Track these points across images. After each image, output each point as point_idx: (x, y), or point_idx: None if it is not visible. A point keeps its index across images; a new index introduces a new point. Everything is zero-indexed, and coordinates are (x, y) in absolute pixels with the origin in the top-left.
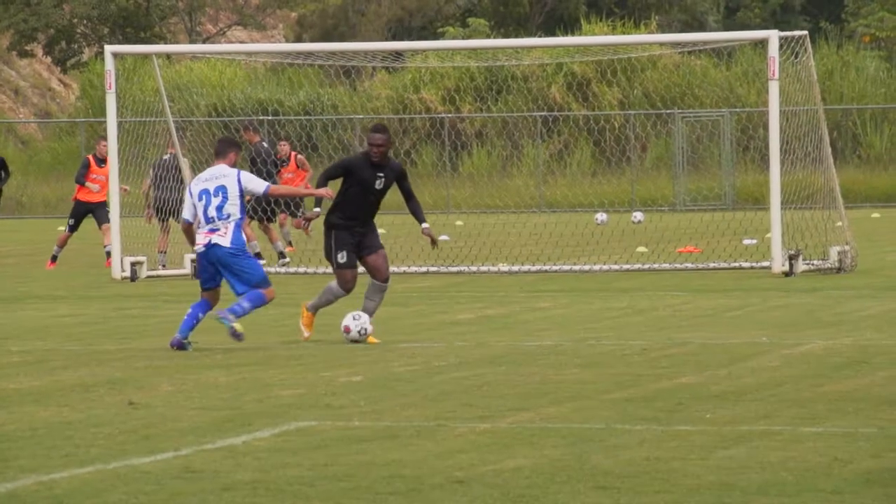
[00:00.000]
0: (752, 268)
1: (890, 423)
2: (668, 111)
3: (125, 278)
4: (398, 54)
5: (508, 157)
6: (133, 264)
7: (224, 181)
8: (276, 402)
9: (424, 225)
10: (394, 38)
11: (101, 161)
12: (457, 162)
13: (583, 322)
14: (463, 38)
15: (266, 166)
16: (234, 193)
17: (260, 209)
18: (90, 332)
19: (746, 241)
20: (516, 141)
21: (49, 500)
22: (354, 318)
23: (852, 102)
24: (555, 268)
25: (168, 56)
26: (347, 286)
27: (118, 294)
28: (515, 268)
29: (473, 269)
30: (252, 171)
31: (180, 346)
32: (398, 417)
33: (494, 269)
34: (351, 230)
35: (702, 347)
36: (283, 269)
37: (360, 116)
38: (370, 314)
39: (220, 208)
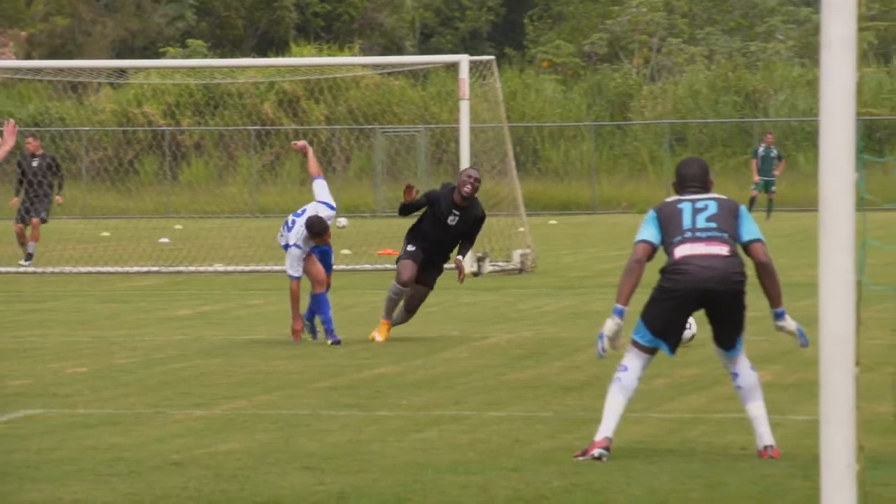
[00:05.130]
0: (445, 268)
1: (564, 407)
2: (370, 126)
3: None
4: (122, 72)
5: (224, 166)
6: None
7: None
8: (5, 392)
9: (459, 257)
10: (118, 57)
11: None
12: (176, 171)
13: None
14: (182, 58)
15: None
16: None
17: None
18: None
19: None
20: (232, 152)
21: None
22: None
23: (533, 121)
24: (266, 268)
25: None
26: (402, 278)
27: None
28: (230, 268)
29: (192, 268)
30: (52, 179)
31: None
32: (120, 405)
33: (211, 269)
34: (422, 248)
35: (399, 340)
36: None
37: (87, 128)
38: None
39: None
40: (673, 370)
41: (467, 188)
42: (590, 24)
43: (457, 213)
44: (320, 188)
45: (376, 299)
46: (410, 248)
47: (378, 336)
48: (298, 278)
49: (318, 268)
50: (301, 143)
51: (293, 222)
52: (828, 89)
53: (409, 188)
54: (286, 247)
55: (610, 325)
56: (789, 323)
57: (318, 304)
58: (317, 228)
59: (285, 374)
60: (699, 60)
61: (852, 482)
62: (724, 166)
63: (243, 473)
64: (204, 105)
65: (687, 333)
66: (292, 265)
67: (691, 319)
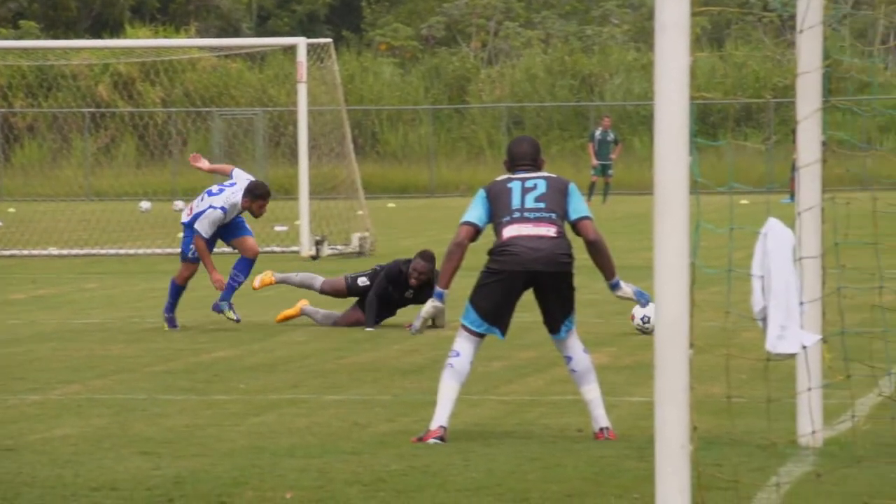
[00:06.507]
0: (283, 252)
1: (403, 390)
2: (207, 109)
3: None
4: None
5: (58, 149)
6: None
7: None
8: None
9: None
10: None
11: None
12: (9, 153)
13: (128, 302)
14: (14, 39)
15: None
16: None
17: None
18: None
19: (278, 228)
20: (66, 135)
21: None
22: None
23: (371, 104)
24: (102, 252)
25: None
26: (326, 285)
27: None
28: (65, 251)
29: (26, 252)
30: None
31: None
32: None
33: (45, 252)
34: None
35: (237, 324)
36: None
37: None
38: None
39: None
40: (511, 353)
41: (413, 281)
42: (427, 8)
43: (412, 289)
44: (243, 172)
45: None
46: (362, 280)
47: (257, 282)
48: (207, 239)
49: (194, 266)
50: (195, 156)
51: (220, 189)
52: (662, 73)
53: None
54: (197, 215)
55: (427, 307)
56: (625, 290)
57: (172, 289)
58: (261, 190)
59: (121, 359)
60: (536, 44)
61: (686, 462)
62: (561, 149)
63: (78, 459)
64: (37, 87)
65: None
66: (206, 227)
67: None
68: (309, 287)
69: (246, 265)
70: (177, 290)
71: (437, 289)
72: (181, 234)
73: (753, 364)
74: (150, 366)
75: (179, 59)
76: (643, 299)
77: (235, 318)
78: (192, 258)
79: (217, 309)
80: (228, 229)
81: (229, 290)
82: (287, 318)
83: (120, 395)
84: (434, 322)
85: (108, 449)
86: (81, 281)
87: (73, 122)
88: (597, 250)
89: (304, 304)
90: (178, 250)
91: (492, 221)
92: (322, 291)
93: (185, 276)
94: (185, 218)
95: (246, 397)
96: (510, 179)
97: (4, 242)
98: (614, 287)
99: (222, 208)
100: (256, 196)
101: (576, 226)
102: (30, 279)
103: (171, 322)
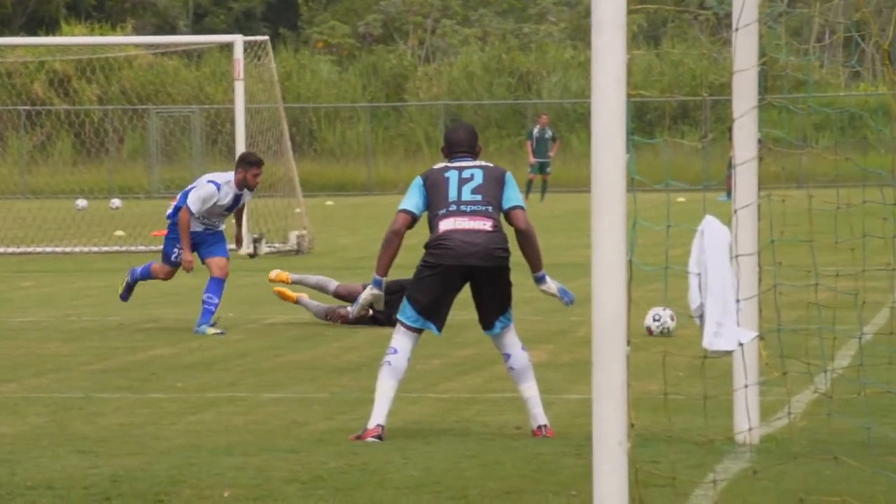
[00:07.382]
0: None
1: (341, 388)
2: (144, 107)
3: None
4: None
5: None
6: None
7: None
8: None
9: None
10: None
11: None
12: None
13: (65, 300)
14: None
15: None
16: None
17: None
18: None
19: None
20: (1, 132)
21: None
22: (655, 319)
23: (308, 101)
24: (38, 250)
25: None
26: (341, 288)
27: None
28: (1, 250)
29: None
30: None
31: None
32: None
33: None
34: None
35: (175, 322)
36: None
37: None
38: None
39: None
40: (450, 351)
41: None
42: (364, 5)
43: None
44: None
45: (155, 281)
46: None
47: (273, 274)
48: (194, 214)
49: (173, 270)
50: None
51: (211, 174)
52: (599, 71)
53: None
54: (187, 192)
55: (366, 294)
56: (550, 285)
57: (145, 270)
58: (253, 157)
59: (57, 357)
60: (473, 42)
61: (623, 459)
62: (499, 147)
63: (14, 458)
64: None
65: (670, 324)
66: (196, 201)
67: (669, 311)
68: (322, 289)
69: (216, 286)
70: (147, 272)
71: (376, 276)
72: (111, 234)
73: (690, 361)
74: (87, 364)
75: (116, 57)
76: (566, 298)
77: (219, 332)
78: (175, 261)
79: (200, 332)
80: (207, 243)
81: (206, 314)
82: (283, 296)
83: (57, 394)
84: (373, 308)
85: (45, 447)
86: (17, 279)
87: (8, 119)
88: (526, 240)
89: (302, 296)
90: (115, 248)
91: (428, 211)
92: (336, 295)
93: (160, 276)
94: (169, 210)
95: (183, 395)
96: (447, 168)
97: None
98: (539, 280)
99: (216, 183)
100: (250, 164)
101: (508, 214)
102: None
103: (128, 289)
